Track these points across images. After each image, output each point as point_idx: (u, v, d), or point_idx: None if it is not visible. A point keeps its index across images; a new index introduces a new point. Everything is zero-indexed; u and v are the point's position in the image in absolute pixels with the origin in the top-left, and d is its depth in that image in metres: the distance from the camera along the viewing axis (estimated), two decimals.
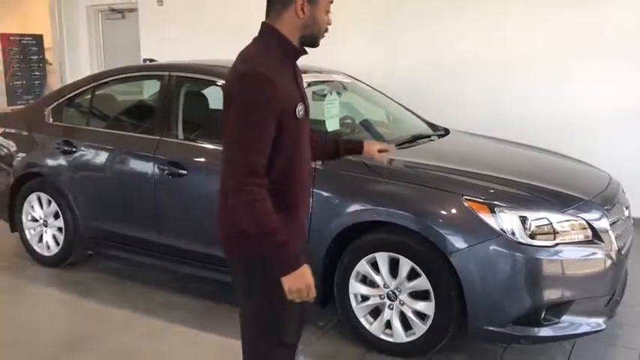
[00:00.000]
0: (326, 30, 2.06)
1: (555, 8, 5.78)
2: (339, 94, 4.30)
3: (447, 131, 4.41)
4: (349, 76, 4.77)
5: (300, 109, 1.98)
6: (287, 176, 1.98)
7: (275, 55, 1.97)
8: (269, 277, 1.91)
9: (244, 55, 1.99)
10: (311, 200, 2.31)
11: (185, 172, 3.79)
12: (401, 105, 4.75)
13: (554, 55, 5.85)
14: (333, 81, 4.52)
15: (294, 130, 1.97)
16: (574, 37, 5.74)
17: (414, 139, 4.02)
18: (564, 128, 5.79)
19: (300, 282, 1.88)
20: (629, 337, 3.54)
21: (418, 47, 6.47)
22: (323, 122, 3.90)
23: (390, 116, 4.71)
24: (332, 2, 2.06)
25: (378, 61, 6.60)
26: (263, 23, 2.02)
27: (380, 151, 2.59)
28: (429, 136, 4.19)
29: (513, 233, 2.95)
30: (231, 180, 1.89)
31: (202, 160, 3.86)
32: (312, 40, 2.04)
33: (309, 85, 4.15)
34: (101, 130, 4.49)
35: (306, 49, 2.07)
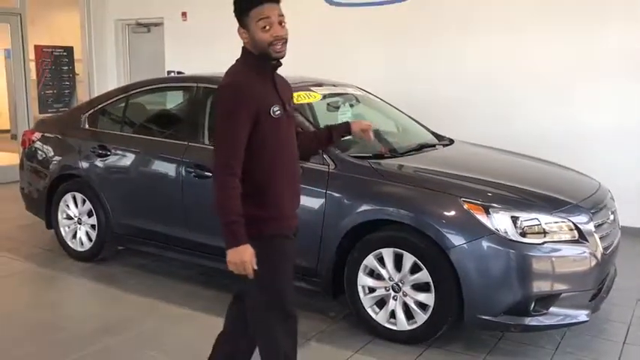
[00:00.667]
0: (274, 42, 2.35)
1: (562, 26, 6.05)
2: (351, 105, 4.67)
3: (451, 141, 4.76)
4: (362, 89, 5.13)
5: (275, 110, 2.37)
6: (269, 172, 2.39)
7: (251, 68, 2.40)
8: (262, 253, 2.33)
9: (227, 71, 2.44)
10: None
11: (210, 174, 4.16)
12: (409, 117, 5.11)
13: (561, 72, 6.13)
14: (347, 94, 4.88)
15: (273, 127, 2.37)
16: (580, 54, 6.02)
17: (420, 148, 4.39)
18: (568, 142, 6.05)
19: (237, 257, 2.28)
20: (614, 331, 3.84)
21: (428, 63, 6.81)
22: None
23: (399, 127, 5.06)
24: (264, 19, 2.33)
25: (391, 76, 6.95)
26: (242, 47, 2.45)
27: (363, 130, 2.89)
28: (434, 145, 4.55)
29: (506, 232, 3.28)
30: (213, 176, 2.35)
31: None
32: (264, 55, 2.38)
33: (324, 97, 4.54)
34: (133, 135, 4.87)
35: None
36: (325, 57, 7.28)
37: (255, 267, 2.31)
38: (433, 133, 4.92)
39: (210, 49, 8.17)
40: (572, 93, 6.12)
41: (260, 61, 2.41)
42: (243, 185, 2.32)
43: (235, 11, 2.41)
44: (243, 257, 2.29)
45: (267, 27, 2.34)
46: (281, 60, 2.41)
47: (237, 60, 2.46)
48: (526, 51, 6.28)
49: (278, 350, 2.48)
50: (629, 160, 5.91)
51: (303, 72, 5.39)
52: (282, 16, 2.40)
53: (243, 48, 2.44)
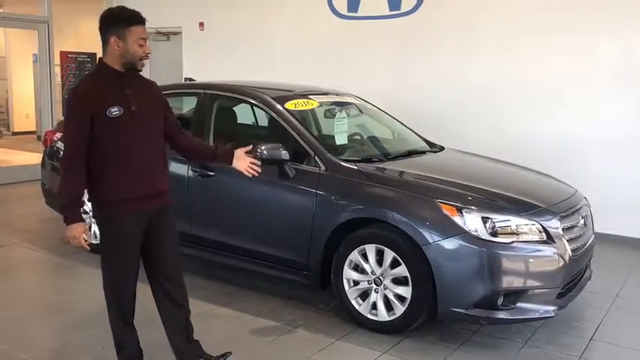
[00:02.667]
0: (143, 58, 2.91)
1: (557, 38, 6.30)
2: (347, 113, 5.00)
3: (441, 148, 5.07)
4: (360, 98, 5.45)
5: (114, 110, 2.83)
6: (105, 160, 2.87)
7: (97, 77, 2.93)
8: (101, 230, 3.00)
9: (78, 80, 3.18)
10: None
11: (213, 173, 4.51)
12: (404, 125, 5.42)
13: (556, 84, 6.38)
14: (346, 102, 5.20)
15: (110, 125, 2.83)
16: (574, 67, 6.25)
17: (410, 154, 4.69)
18: (562, 152, 6.31)
19: (68, 233, 2.87)
20: (584, 329, 4.09)
21: (429, 74, 7.12)
22: (332, 137, 4.62)
23: (395, 134, 5.37)
24: (143, 38, 2.89)
25: (393, 86, 7.27)
26: (99, 59, 2.99)
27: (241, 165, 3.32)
28: (424, 152, 4.85)
29: (476, 231, 3.57)
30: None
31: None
32: (131, 65, 2.90)
33: (321, 105, 4.87)
34: None
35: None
36: (331, 67, 7.63)
37: (93, 242, 2.79)
38: (426, 141, 5.22)
39: (225, 57, 8.60)
40: (566, 105, 6.35)
41: (109, 71, 2.93)
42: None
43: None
44: (72, 233, 2.87)
45: (142, 45, 2.91)
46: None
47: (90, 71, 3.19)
48: (523, 63, 6.53)
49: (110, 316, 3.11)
50: (623, 171, 6.12)
51: (309, 81, 5.76)
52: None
53: (99, 60, 3.02)
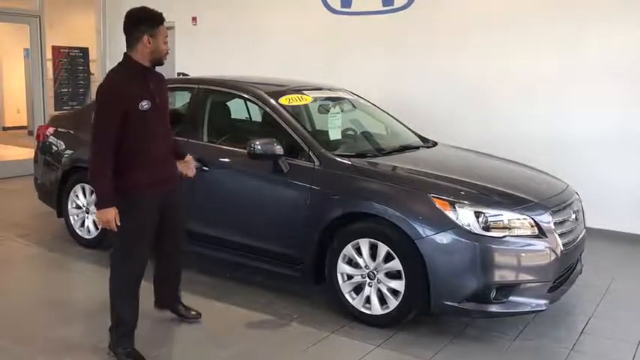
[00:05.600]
0: (166, 55, 3.27)
1: (552, 35, 6.34)
2: (341, 109, 5.01)
3: (435, 144, 5.09)
4: (354, 93, 5.47)
5: (143, 104, 3.13)
6: (136, 150, 3.18)
7: (124, 71, 3.18)
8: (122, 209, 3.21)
9: (107, 73, 3.27)
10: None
11: (207, 168, 4.52)
12: (398, 120, 5.44)
13: (550, 82, 6.41)
14: (339, 98, 5.22)
15: (140, 117, 3.13)
16: (569, 64, 6.29)
17: (403, 149, 4.72)
18: (555, 149, 6.36)
19: (102, 217, 3.13)
20: (575, 322, 4.15)
21: (421, 70, 7.14)
22: (326, 132, 4.64)
23: (388, 129, 5.40)
24: (167, 36, 3.27)
25: (386, 82, 7.28)
26: (125, 54, 3.24)
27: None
28: (417, 147, 4.88)
29: (469, 225, 3.60)
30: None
31: (223, 159, 4.57)
32: (158, 61, 3.24)
33: (315, 100, 4.89)
34: None
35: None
36: (325, 62, 7.64)
37: (119, 223, 3.14)
38: (419, 136, 5.25)
39: (218, 52, 8.59)
40: (561, 102, 6.39)
41: (136, 67, 3.24)
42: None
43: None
44: (105, 217, 3.13)
45: (166, 42, 3.28)
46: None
47: (116, 65, 3.32)
48: (517, 59, 6.55)
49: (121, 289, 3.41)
50: (615, 167, 6.17)
51: (303, 76, 5.76)
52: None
53: (125, 55, 3.28)
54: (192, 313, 3.92)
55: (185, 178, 3.72)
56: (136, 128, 3.13)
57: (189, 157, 3.79)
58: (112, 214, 3.12)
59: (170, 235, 3.59)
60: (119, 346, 3.36)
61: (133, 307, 3.40)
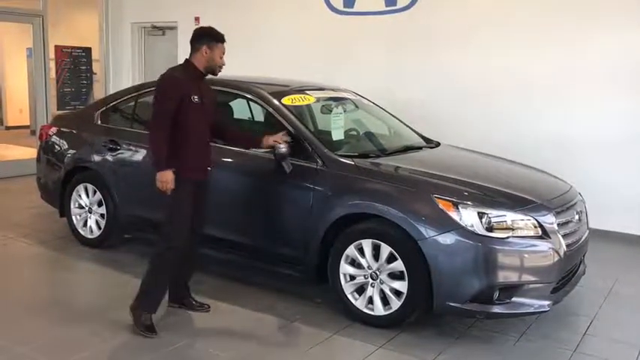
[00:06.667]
0: (220, 67, 3.84)
1: (555, 36, 6.34)
2: (344, 109, 5.00)
3: (437, 144, 5.09)
4: (356, 93, 5.46)
5: (194, 97, 3.68)
6: (184, 136, 3.70)
7: (183, 70, 3.81)
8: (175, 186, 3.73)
9: (169, 68, 3.88)
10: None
11: (209, 168, 4.49)
12: (401, 121, 5.44)
13: (552, 84, 6.41)
14: (342, 98, 5.21)
15: (190, 109, 3.67)
16: (572, 64, 6.29)
17: (406, 149, 4.71)
18: (558, 150, 6.35)
19: (161, 177, 3.64)
20: (578, 323, 4.14)
21: (424, 70, 7.14)
22: (329, 132, 4.62)
23: (391, 130, 5.39)
24: (224, 53, 3.82)
25: (388, 82, 7.27)
26: (186, 60, 3.83)
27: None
28: (420, 148, 4.87)
29: (472, 226, 3.59)
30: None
31: (225, 159, 4.56)
32: (211, 69, 3.81)
33: (317, 100, 4.89)
34: (142, 132, 5.21)
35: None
36: (327, 63, 7.63)
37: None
38: (422, 137, 5.24)
39: None
40: (564, 102, 6.39)
41: (195, 71, 3.83)
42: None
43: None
44: (163, 178, 3.64)
45: (222, 57, 3.84)
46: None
47: (180, 66, 3.95)
48: (521, 60, 6.55)
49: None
50: (619, 168, 6.17)
51: (305, 76, 5.75)
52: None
53: (186, 60, 3.87)
54: (205, 305, 4.13)
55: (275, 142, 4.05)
56: (187, 115, 3.67)
57: (267, 139, 4.09)
58: (170, 176, 3.63)
59: (198, 220, 3.94)
60: (142, 309, 3.76)
61: (164, 283, 3.85)
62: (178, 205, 3.77)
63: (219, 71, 3.86)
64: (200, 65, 3.78)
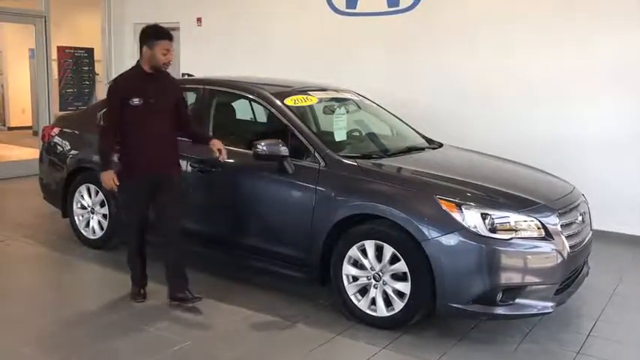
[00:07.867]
0: (166, 64, 3.97)
1: (556, 37, 6.32)
2: (346, 110, 5.00)
3: (440, 145, 5.08)
4: (359, 94, 5.45)
5: (134, 100, 3.89)
6: (129, 136, 3.98)
7: (128, 73, 4.08)
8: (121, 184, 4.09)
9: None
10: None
11: (213, 169, 4.50)
12: (403, 122, 5.43)
13: (554, 84, 6.39)
14: (345, 98, 5.21)
15: (131, 110, 3.90)
16: (574, 65, 6.27)
17: (408, 150, 4.70)
18: (560, 151, 6.33)
19: (102, 177, 4.03)
20: (582, 324, 4.13)
21: (427, 71, 7.12)
22: (332, 133, 4.62)
23: (394, 130, 5.38)
24: (167, 49, 3.92)
25: (391, 83, 7.26)
26: (137, 61, 4.03)
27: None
28: (423, 148, 4.86)
29: (475, 227, 3.58)
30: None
31: (228, 160, 4.53)
32: (156, 67, 3.97)
33: (320, 101, 4.88)
34: None
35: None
36: (330, 63, 7.63)
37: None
38: (424, 138, 5.23)
39: (223, 53, 8.58)
40: (566, 103, 6.37)
41: (141, 70, 4.06)
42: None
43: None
44: (104, 178, 3.99)
45: (165, 54, 3.96)
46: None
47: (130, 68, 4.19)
48: (523, 61, 6.54)
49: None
50: (621, 169, 6.15)
51: (307, 77, 5.75)
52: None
53: (136, 62, 4.10)
54: (197, 296, 4.18)
55: (218, 161, 4.22)
56: (129, 116, 3.92)
57: (213, 141, 4.22)
58: (110, 175, 3.97)
59: (161, 218, 4.17)
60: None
61: (135, 262, 4.30)
62: (126, 201, 4.20)
63: (166, 68, 4.01)
64: (145, 65, 3.97)
